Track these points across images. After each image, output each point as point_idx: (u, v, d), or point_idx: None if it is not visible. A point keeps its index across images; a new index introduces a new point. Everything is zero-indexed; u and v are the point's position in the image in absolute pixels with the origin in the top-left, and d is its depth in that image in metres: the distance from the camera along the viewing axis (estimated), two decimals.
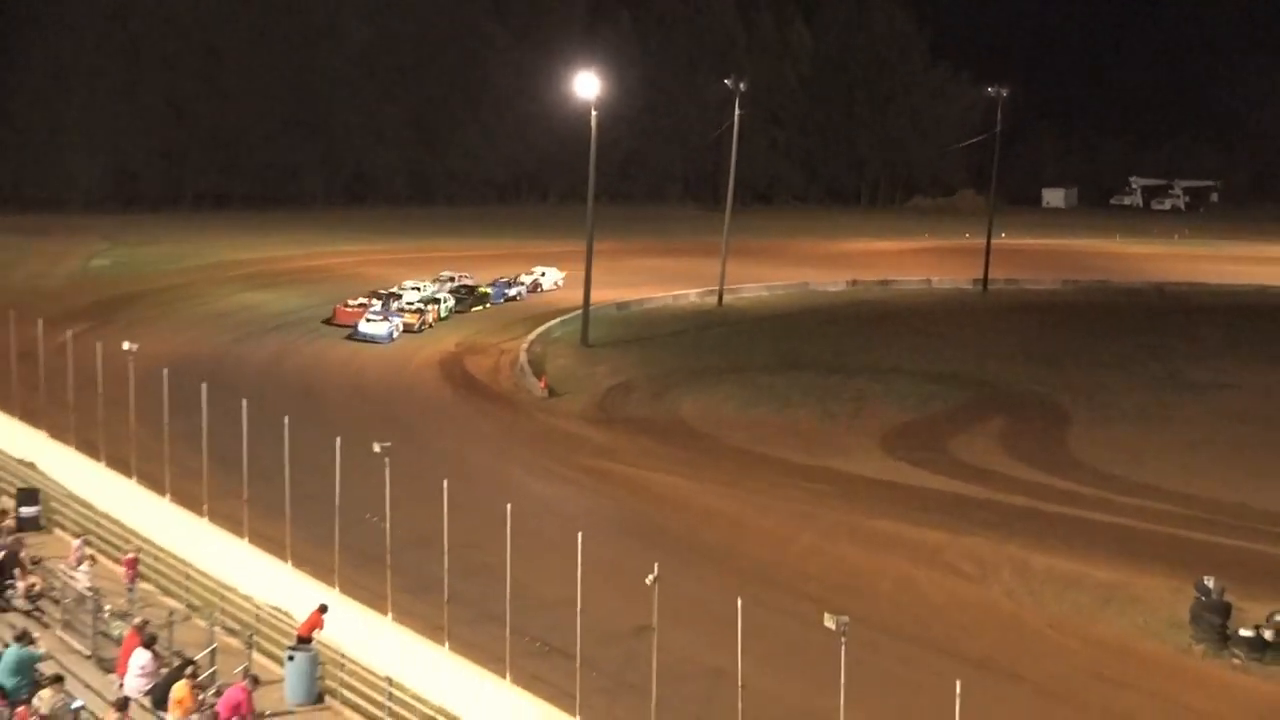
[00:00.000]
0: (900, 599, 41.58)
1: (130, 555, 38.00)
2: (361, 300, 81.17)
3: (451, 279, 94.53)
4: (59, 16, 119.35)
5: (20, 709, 26.71)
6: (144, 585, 39.01)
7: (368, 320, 70.68)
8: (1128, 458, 61.99)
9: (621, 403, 70.85)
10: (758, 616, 28.04)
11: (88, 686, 29.53)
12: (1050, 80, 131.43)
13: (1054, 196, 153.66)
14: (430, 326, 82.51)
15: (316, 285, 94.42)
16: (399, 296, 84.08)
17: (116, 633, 33.41)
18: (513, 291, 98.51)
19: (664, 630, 28.58)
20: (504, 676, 32.35)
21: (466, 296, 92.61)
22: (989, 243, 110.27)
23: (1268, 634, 40.35)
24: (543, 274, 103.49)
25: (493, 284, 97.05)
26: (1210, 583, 42.18)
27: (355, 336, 69.46)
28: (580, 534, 30.34)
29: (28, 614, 34.44)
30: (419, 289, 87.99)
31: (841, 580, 41.66)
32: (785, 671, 27.93)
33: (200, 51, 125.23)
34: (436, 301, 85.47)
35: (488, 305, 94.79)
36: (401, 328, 74.97)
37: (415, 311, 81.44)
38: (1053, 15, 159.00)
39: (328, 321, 78.86)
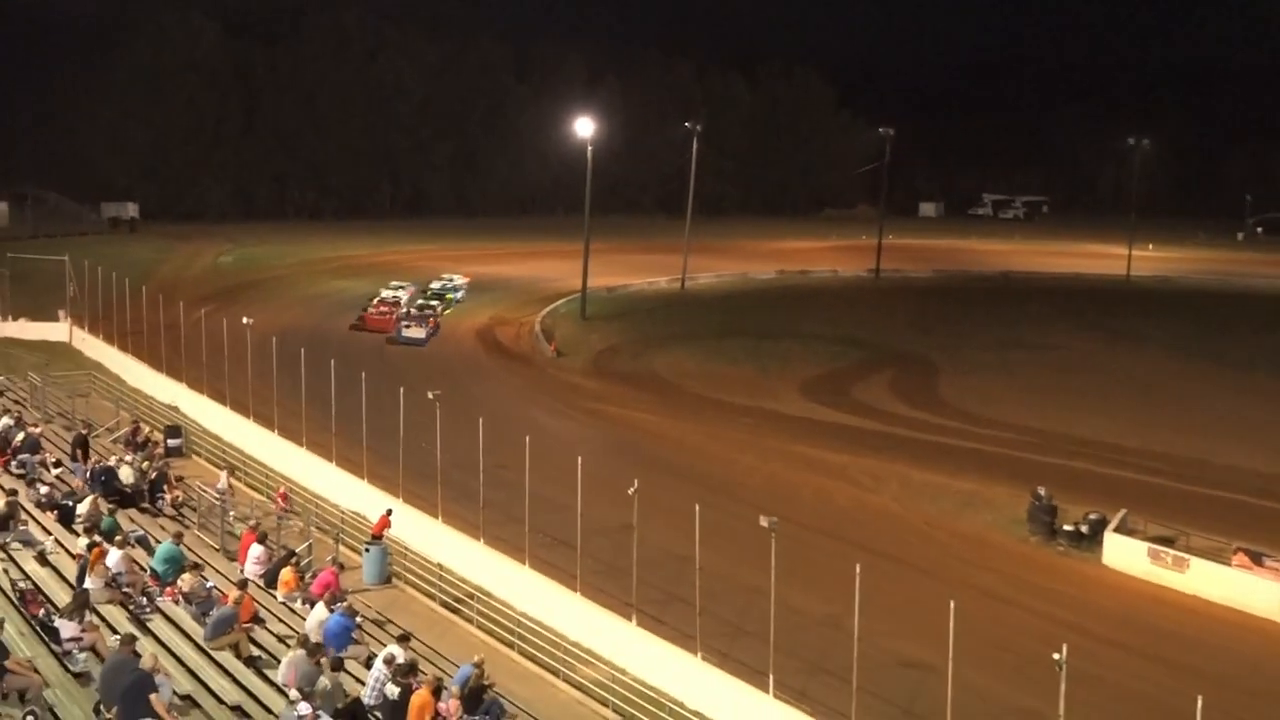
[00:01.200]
0: (815, 504, 41.94)
1: (282, 490, 38.05)
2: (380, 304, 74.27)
3: (401, 286, 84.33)
4: (192, 78, 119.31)
5: (169, 588, 26.83)
6: (256, 495, 39.19)
7: (406, 326, 65.05)
8: (981, 400, 62.50)
9: (610, 361, 70.98)
10: (711, 517, 28.25)
11: (217, 571, 29.64)
12: (925, 122, 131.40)
13: (927, 208, 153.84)
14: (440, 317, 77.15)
15: (385, 275, 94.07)
16: (397, 301, 76.57)
17: (238, 532, 33.51)
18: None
19: (642, 527, 28.90)
20: (523, 562, 32.64)
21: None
22: (880, 242, 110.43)
23: (1083, 529, 40.78)
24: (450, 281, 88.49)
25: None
26: (1042, 491, 42.53)
27: (398, 341, 63.32)
28: (580, 457, 30.56)
29: (173, 518, 34.49)
30: (402, 288, 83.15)
31: (773, 490, 41.89)
32: (733, 558, 28.09)
33: (301, 101, 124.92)
34: (443, 299, 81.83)
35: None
36: (435, 327, 69.17)
37: (430, 309, 76.36)
38: (926, 74, 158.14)
39: (355, 327, 70.90)
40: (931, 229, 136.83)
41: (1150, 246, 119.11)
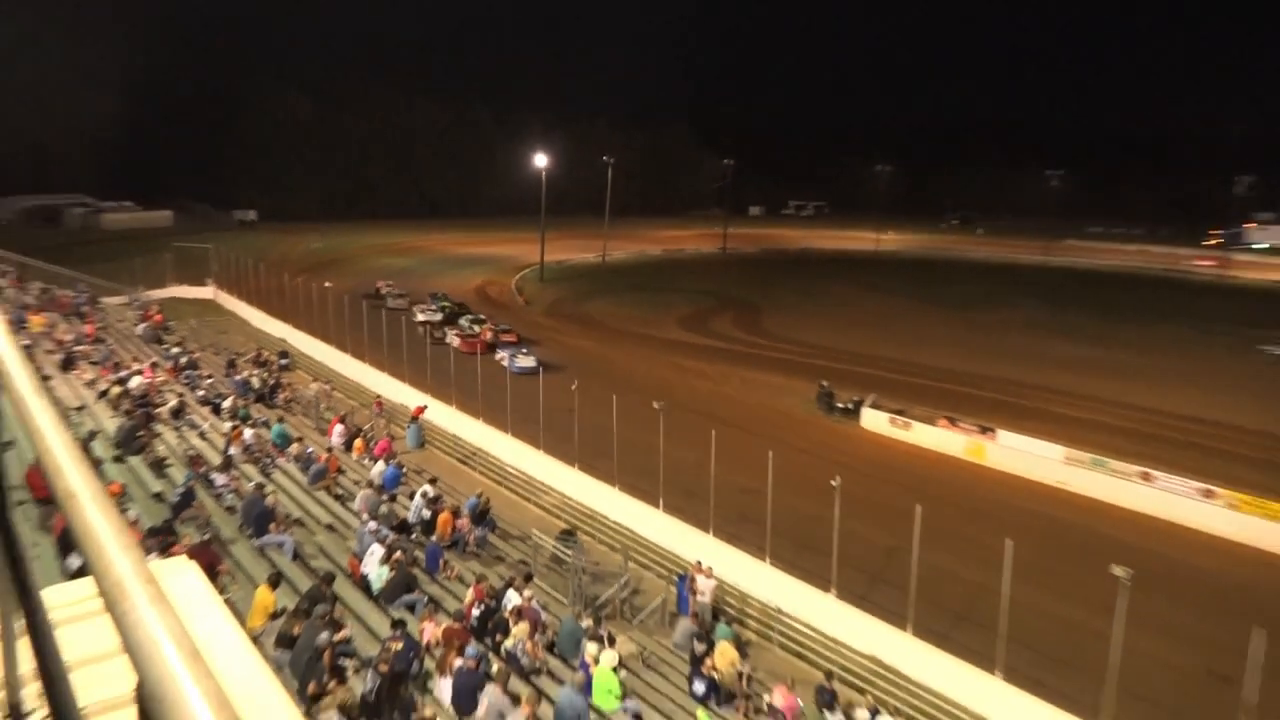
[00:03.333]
0: (687, 393, 42.08)
1: (379, 399, 37.39)
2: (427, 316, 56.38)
3: (387, 289, 65.72)
4: (291, 121, 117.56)
5: (283, 453, 26.64)
6: (339, 395, 38.78)
7: (517, 356, 45.84)
8: (789, 328, 62.92)
9: (560, 307, 70.55)
10: (623, 403, 28.40)
11: (314, 443, 29.36)
12: (756, 152, 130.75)
13: (754, 209, 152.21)
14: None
15: (419, 254, 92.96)
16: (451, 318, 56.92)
17: (328, 416, 33.18)
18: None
19: (580, 410, 28.89)
20: (507, 431, 32.65)
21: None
22: (725, 230, 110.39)
23: (850, 406, 41.43)
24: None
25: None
26: (825, 383, 43.14)
27: (514, 371, 43.01)
28: (540, 367, 30.54)
29: (285, 409, 34.09)
30: (435, 299, 62.30)
31: (660, 385, 42.06)
32: (636, 428, 28.29)
33: (363, 140, 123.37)
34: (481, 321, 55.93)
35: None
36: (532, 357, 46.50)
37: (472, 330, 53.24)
38: (752, 119, 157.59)
39: (465, 349, 44.69)
40: (757, 223, 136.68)
41: (890, 232, 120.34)
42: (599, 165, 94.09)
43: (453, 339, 49.60)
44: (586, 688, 15.52)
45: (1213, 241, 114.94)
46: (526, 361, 45.36)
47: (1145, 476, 32.36)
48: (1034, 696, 18.24)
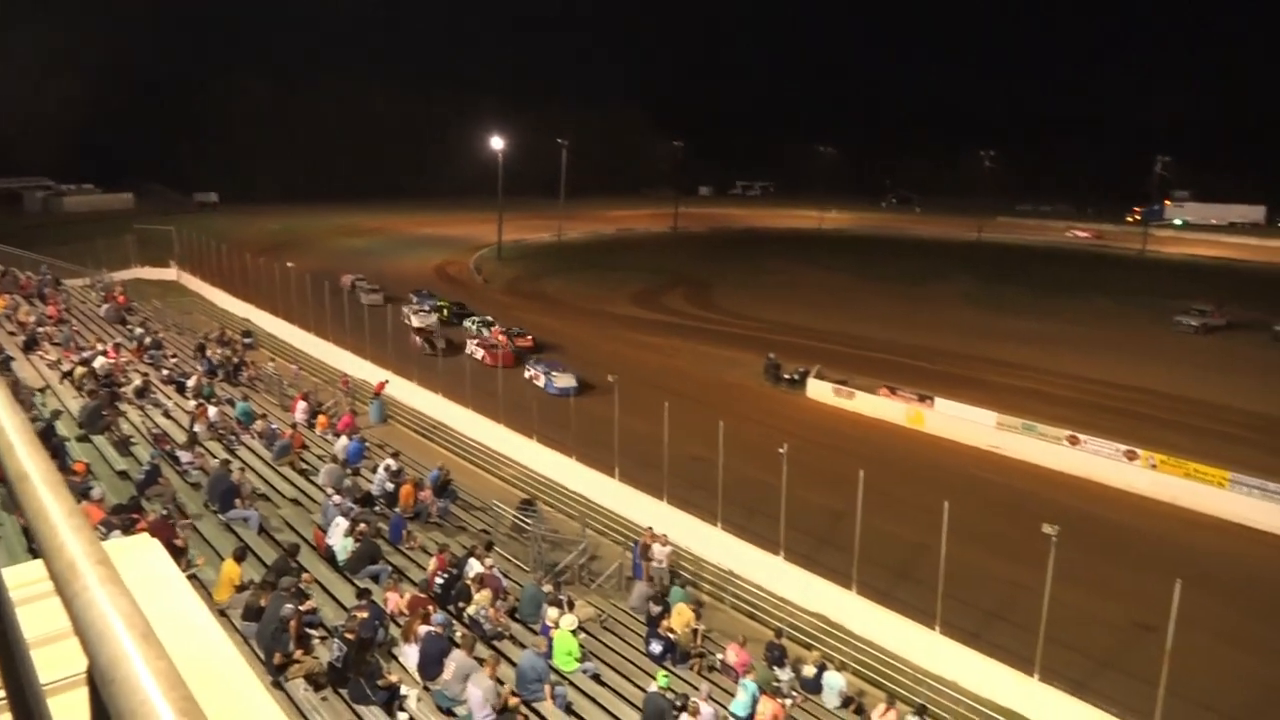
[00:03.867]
0: (640, 367, 42.09)
1: (345, 377, 36.93)
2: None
3: (425, 296, 54.38)
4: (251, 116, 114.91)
5: (246, 431, 26.20)
6: (304, 374, 38.22)
7: (555, 375, 37.19)
8: (738, 303, 63.10)
9: (518, 285, 70.03)
10: (580, 373, 28.29)
11: (278, 420, 28.92)
12: (705, 135, 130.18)
13: (704, 190, 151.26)
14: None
15: (378, 236, 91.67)
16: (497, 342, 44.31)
17: (291, 394, 32.69)
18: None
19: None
20: (465, 406, 32.43)
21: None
22: (676, 210, 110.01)
23: (796, 377, 41.73)
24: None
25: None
26: (772, 355, 43.39)
27: (552, 392, 35.99)
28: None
29: (249, 388, 33.51)
30: (428, 299, 53.30)
31: (614, 359, 41.91)
32: (592, 401, 28.23)
33: (330, 128, 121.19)
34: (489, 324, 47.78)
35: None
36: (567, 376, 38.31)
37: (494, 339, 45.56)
38: (705, 105, 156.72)
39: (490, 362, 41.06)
40: (706, 203, 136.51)
41: (833, 211, 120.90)
42: (554, 147, 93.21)
43: (475, 350, 42.69)
44: (547, 651, 15.58)
45: (1133, 218, 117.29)
46: (565, 380, 36.92)
47: (1073, 440, 33.07)
48: (971, 649, 18.65)
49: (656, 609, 18.68)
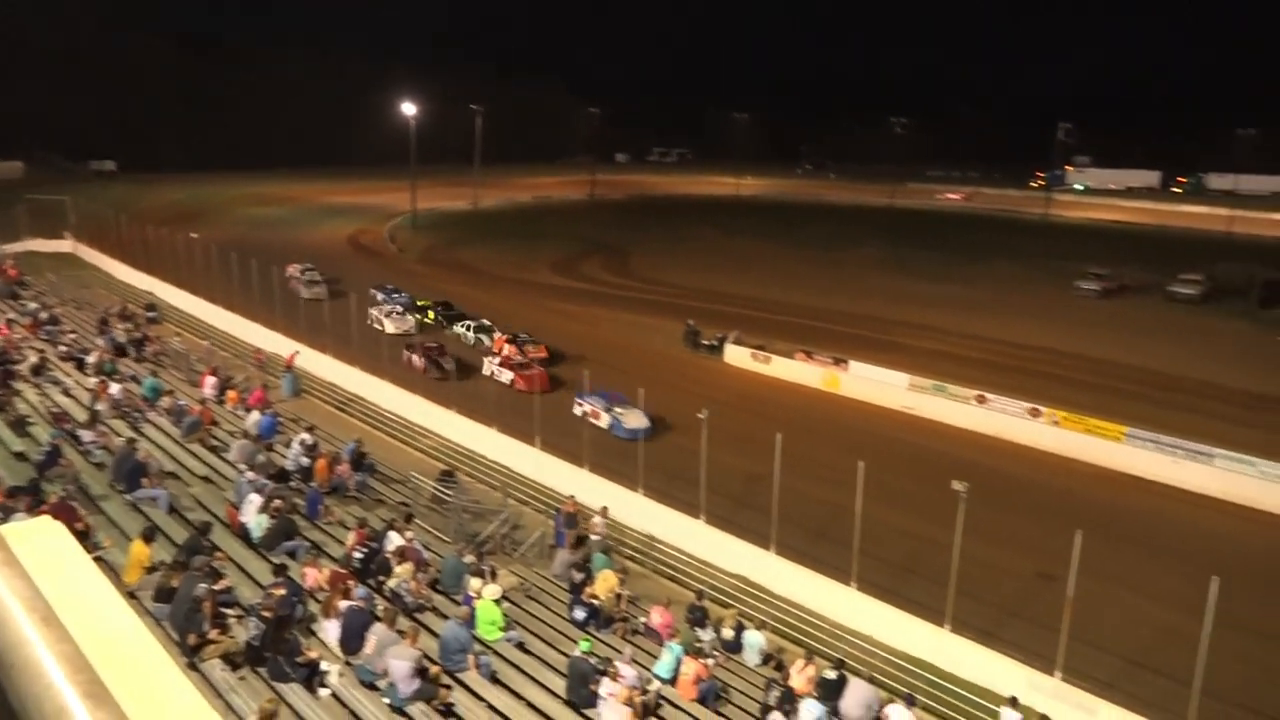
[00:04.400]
0: (561, 335, 41.78)
1: (258, 351, 35.96)
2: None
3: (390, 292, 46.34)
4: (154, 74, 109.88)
5: (152, 408, 25.40)
6: (222, 351, 37.09)
7: (622, 413, 29.43)
8: (656, 270, 63.14)
9: (434, 254, 68.78)
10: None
11: (186, 396, 28.06)
12: (622, 102, 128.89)
13: (621, 156, 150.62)
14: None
15: (289, 204, 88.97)
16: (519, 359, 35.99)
17: (200, 370, 31.70)
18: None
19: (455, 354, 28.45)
20: (383, 378, 31.95)
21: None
22: (593, 178, 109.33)
23: (714, 343, 42.05)
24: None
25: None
26: (691, 322, 43.66)
27: (621, 435, 28.76)
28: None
29: (155, 363, 32.40)
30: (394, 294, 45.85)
31: (536, 327, 41.66)
32: None
33: (230, 86, 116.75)
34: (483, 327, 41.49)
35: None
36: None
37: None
38: (621, 70, 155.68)
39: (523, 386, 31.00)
40: (623, 170, 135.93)
41: (749, 178, 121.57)
42: (470, 115, 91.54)
43: (497, 370, 34.75)
44: (470, 620, 15.57)
45: (1037, 183, 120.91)
46: (636, 420, 28.72)
47: (981, 399, 34.16)
48: (886, 604, 19.25)
49: (579, 576, 18.79)
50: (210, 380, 29.58)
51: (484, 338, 39.48)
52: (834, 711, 15.30)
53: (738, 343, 41.67)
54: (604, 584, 18.44)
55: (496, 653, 15.36)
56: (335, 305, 41.44)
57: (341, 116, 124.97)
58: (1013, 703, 15.54)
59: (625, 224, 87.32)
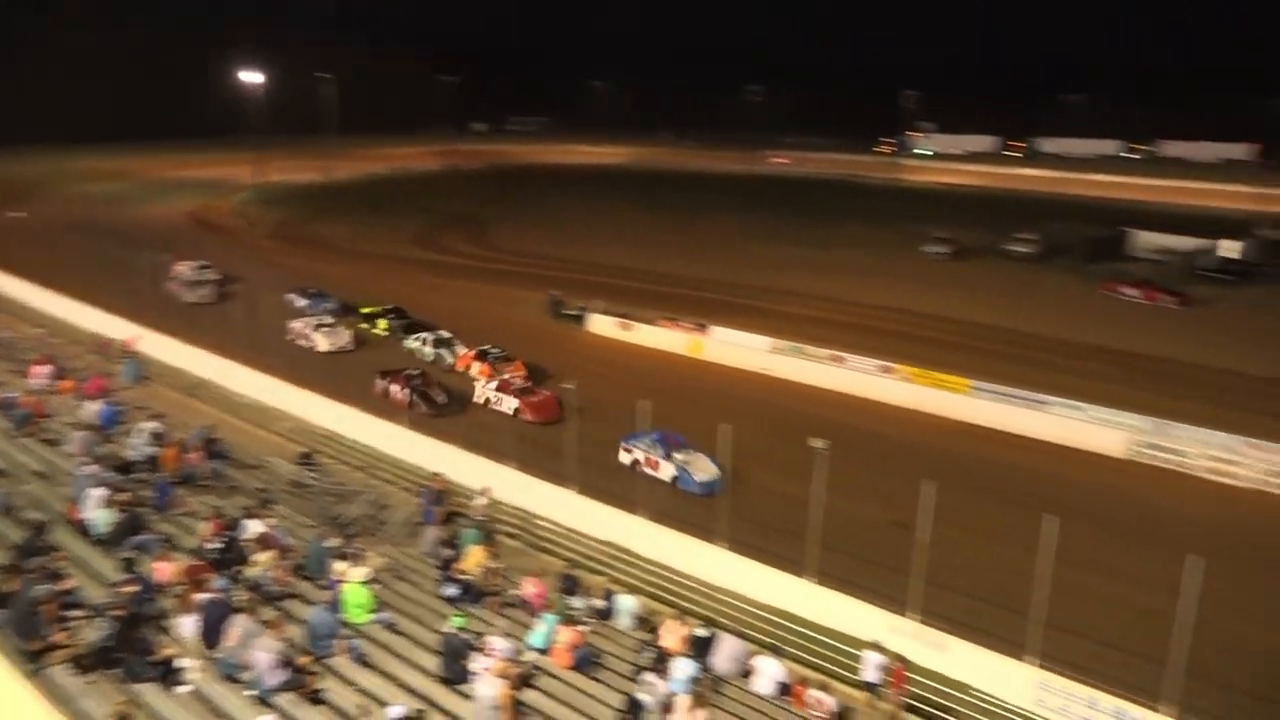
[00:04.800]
0: (427, 308, 40.89)
1: (105, 340, 33.94)
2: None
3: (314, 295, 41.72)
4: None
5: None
6: (51, 339, 34.66)
7: (691, 463, 24.41)
8: (516, 241, 62.88)
9: (285, 230, 66.19)
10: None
11: (15, 387, 26.20)
12: (479, 70, 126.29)
13: (479, 126, 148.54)
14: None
15: (126, 179, 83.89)
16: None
17: (28, 359, 29.65)
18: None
19: None
20: (238, 361, 30.67)
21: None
22: (451, 148, 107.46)
23: (577, 313, 42.11)
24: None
25: None
26: (554, 292, 43.62)
27: (690, 490, 23.84)
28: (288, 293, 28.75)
29: None
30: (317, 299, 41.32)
31: (406, 298, 40.68)
32: (371, 347, 27.33)
33: (60, 53, 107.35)
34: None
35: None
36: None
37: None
38: (481, 41, 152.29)
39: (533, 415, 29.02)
40: (482, 139, 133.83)
41: (609, 146, 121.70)
42: (310, 82, 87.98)
43: (496, 398, 29.47)
44: (336, 605, 15.22)
45: (885, 149, 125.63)
46: (706, 472, 24.24)
47: (836, 359, 35.43)
48: (752, 560, 19.82)
49: (448, 552, 18.60)
50: (43, 370, 27.72)
51: (445, 353, 34.28)
52: (705, 668, 15.72)
53: (601, 311, 41.82)
54: (472, 559, 18.31)
55: (366, 636, 15.08)
56: (228, 310, 37.52)
57: (183, 86, 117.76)
58: (875, 646, 16.32)
59: (486, 195, 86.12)
